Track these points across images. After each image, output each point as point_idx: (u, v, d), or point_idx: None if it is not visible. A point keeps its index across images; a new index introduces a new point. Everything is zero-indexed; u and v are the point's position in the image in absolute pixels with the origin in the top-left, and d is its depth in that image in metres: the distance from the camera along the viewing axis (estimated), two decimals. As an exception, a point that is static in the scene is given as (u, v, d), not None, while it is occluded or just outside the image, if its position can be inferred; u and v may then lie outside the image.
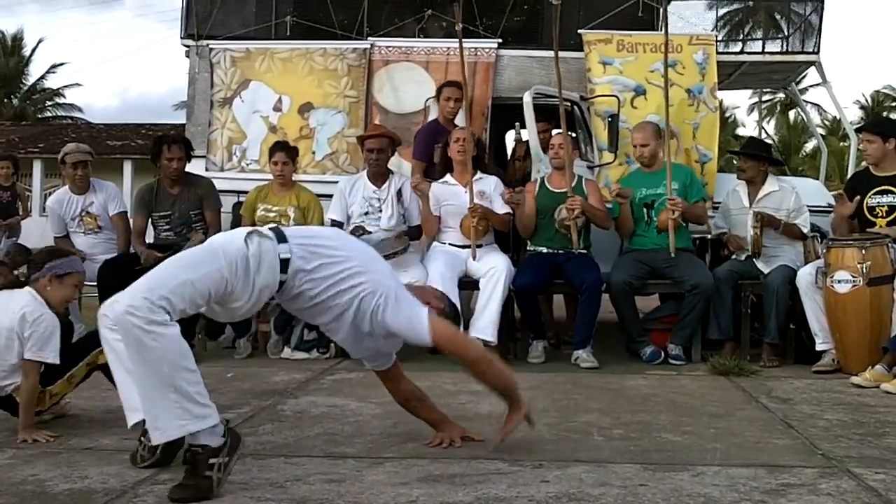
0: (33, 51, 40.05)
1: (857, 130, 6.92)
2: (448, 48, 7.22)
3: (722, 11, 9.22)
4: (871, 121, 22.39)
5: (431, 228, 5.98)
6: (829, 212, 6.11)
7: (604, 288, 5.73)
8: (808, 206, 6.02)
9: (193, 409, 2.77)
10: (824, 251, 5.46)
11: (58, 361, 3.70)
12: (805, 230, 5.87)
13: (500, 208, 5.95)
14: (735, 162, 6.18)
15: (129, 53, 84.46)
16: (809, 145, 38.47)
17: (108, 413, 4.08)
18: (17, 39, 39.54)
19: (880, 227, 5.47)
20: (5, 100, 38.90)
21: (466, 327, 5.59)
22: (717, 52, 7.16)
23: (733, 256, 5.99)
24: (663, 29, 6.34)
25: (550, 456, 3.33)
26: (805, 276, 5.50)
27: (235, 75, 7.49)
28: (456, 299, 5.70)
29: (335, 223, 6.03)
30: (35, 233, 9.14)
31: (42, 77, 39.47)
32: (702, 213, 6.06)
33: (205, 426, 2.80)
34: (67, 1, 65.95)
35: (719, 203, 6.31)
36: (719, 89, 7.36)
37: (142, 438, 3.10)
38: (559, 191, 5.85)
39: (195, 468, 2.79)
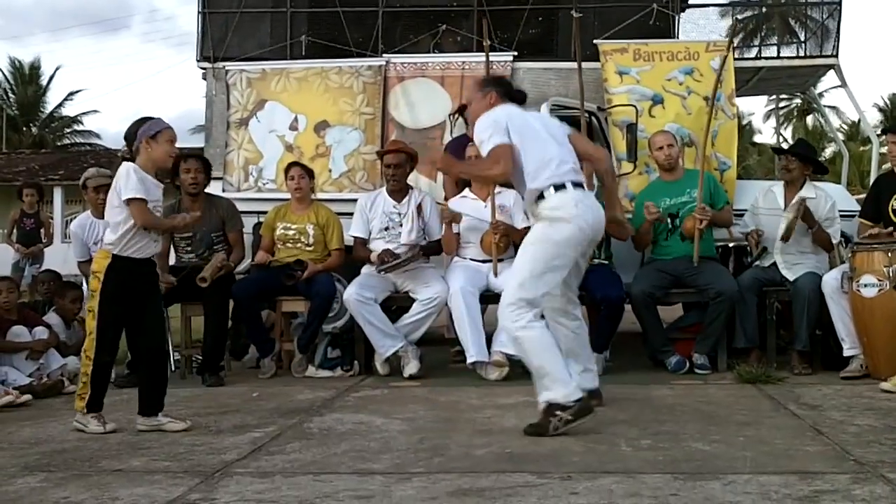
0: (51, 79, 40.62)
1: (883, 132, 6.86)
2: (463, 62, 7.26)
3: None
4: (897, 122, 22.26)
5: (451, 249, 5.98)
6: (854, 216, 6.05)
7: (626, 300, 5.70)
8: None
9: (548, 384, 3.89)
10: (849, 255, 5.40)
11: None
12: (835, 241, 5.79)
13: (521, 223, 5.92)
14: (779, 161, 6.10)
15: (141, 80, 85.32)
16: (828, 151, 38.15)
17: (136, 434, 4.11)
18: (35, 68, 40.07)
19: (906, 229, 5.40)
20: (24, 128, 39.35)
21: (489, 342, 5.57)
22: (735, 59, 7.15)
23: (756, 264, 5.93)
24: (728, 36, 6.31)
25: (579, 468, 3.31)
26: (830, 280, 5.43)
27: (251, 96, 7.54)
28: (479, 314, 5.70)
29: (357, 239, 6.04)
30: (58, 259, 9.19)
31: (60, 105, 40.01)
32: (729, 217, 6.03)
33: (552, 397, 3.85)
34: (74, 30, 66.86)
35: (740, 210, 6.24)
36: (737, 96, 7.34)
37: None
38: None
39: (544, 415, 3.85)
